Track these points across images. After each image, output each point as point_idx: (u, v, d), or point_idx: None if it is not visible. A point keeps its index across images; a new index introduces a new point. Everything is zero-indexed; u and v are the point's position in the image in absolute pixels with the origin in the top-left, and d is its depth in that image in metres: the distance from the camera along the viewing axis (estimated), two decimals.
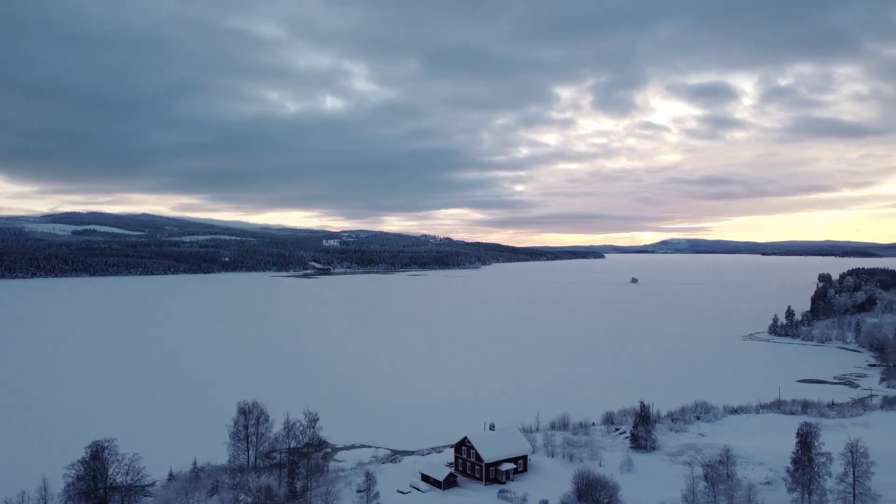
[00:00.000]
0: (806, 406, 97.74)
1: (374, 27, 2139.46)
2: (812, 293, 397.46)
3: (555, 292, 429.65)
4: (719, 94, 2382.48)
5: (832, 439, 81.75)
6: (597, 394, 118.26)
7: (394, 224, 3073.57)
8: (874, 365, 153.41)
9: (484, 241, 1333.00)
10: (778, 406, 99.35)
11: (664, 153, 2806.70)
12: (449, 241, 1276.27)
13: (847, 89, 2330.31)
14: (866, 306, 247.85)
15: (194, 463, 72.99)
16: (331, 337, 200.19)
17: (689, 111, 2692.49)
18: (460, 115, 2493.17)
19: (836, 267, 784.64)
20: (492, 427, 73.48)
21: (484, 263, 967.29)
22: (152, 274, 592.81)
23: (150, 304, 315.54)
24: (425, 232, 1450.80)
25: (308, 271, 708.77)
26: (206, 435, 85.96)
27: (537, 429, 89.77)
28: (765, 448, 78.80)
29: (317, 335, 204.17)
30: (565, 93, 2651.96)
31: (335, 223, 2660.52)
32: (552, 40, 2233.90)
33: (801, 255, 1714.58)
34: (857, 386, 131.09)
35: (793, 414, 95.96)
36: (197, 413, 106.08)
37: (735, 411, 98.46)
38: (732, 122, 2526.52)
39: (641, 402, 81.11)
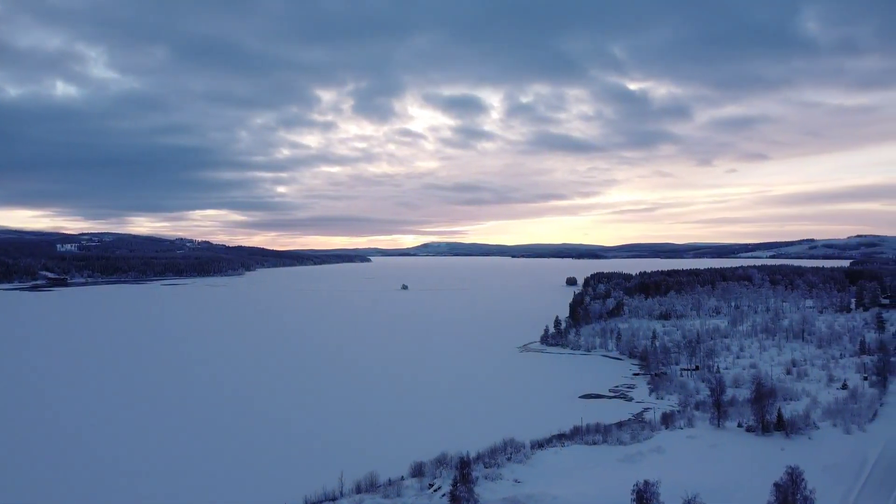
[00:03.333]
0: (606, 434, 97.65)
1: (114, 9, 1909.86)
2: (563, 294, 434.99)
3: (327, 304, 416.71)
4: (470, 106, 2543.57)
5: (641, 474, 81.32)
6: (397, 436, 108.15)
7: (143, 225, 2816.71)
8: (638, 374, 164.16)
9: (246, 245, 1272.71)
10: (580, 436, 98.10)
11: (422, 160, 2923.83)
12: (208, 245, 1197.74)
13: (576, 110, 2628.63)
14: (616, 311, 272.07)
15: None
16: (54, 380, 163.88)
17: (444, 121, 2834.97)
18: (215, 111, 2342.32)
19: (575, 268, 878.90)
20: None
21: (248, 269, 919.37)
22: None
23: None
24: (180, 234, 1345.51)
25: (38, 282, 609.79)
26: None
27: (341, 493, 77.60)
28: (586, 493, 75.10)
29: (42, 377, 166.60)
30: (326, 95, 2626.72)
31: (72, 224, 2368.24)
32: (312, 41, 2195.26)
33: (544, 256, 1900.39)
34: (631, 399, 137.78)
35: (595, 444, 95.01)
36: None
37: (541, 446, 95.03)
38: (482, 134, 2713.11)
39: (462, 459, 72.88)
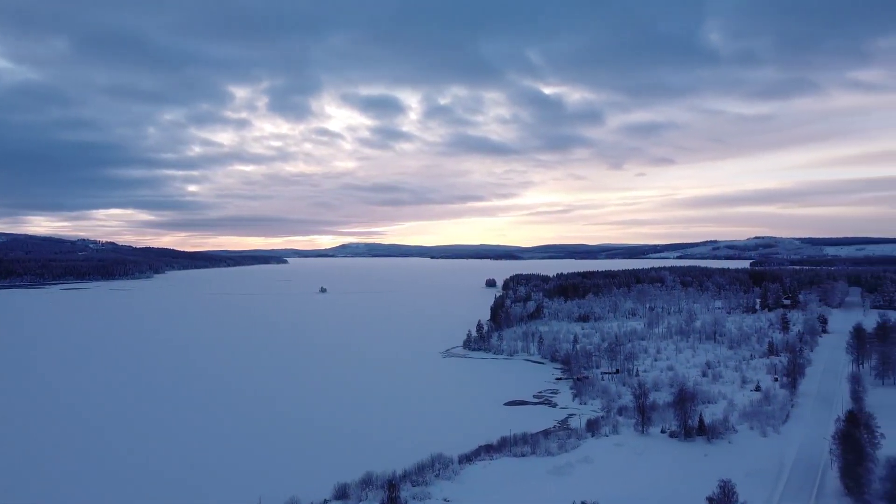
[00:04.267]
0: (534, 444, 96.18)
1: None
2: (483, 295, 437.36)
3: (241, 309, 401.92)
4: (388, 107, 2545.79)
5: (571, 487, 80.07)
6: (319, 455, 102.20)
7: (41, 225, 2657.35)
8: (560, 378, 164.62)
9: (155, 246, 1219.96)
10: (508, 448, 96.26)
11: (340, 160, 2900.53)
12: (113, 247, 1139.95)
13: (493, 112, 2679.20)
14: (536, 314, 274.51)
15: None
16: None
17: (362, 121, 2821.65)
18: (121, 106, 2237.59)
19: (494, 269, 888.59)
20: None
21: (157, 272, 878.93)
22: None
23: None
24: (83, 235, 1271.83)
25: None
26: None
27: None
28: None
29: None
30: (240, 92, 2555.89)
31: None
32: (224, 36, 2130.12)
33: (462, 257, 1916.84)
34: (555, 405, 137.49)
35: (523, 456, 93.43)
36: None
37: (469, 459, 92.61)
38: (400, 135, 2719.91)
39: (390, 480, 69.40)
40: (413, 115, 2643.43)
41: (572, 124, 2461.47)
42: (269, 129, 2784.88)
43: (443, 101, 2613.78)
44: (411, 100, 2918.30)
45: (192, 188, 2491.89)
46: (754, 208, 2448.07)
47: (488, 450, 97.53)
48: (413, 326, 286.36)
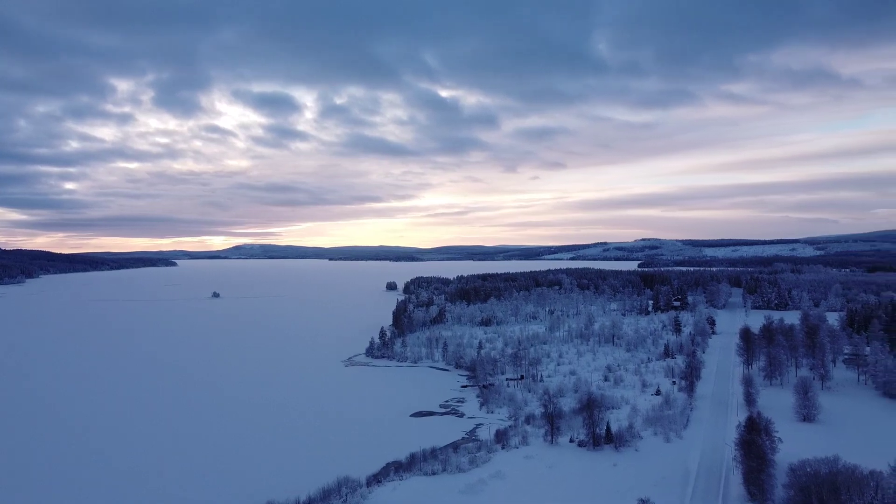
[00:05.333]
0: (444, 461, 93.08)
1: None
2: (384, 299, 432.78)
3: (123, 317, 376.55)
4: (283, 105, 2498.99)
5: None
6: (210, 484, 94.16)
7: None
8: (466, 386, 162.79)
9: (27, 248, 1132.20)
10: (418, 465, 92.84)
11: (232, 158, 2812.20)
12: None
13: (391, 114, 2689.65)
14: (439, 318, 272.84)
15: None
16: None
17: (255, 118, 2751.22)
18: None
19: (393, 271, 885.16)
20: None
21: (30, 276, 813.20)
22: None
23: None
24: None
25: None
26: None
27: None
28: None
29: None
30: (122, 85, 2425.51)
31: None
32: (105, 25, 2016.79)
33: (361, 259, 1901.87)
34: (462, 414, 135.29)
35: (434, 474, 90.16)
36: None
37: (378, 481, 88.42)
38: (296, 134, 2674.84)
39: None
40: (309, 114, 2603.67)
41: (468, 127, 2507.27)
42: (155, 124, 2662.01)
43: (339, 101, 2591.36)
44: (306, 98, 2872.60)
45: (69, 185, 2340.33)
46: (640, 211, 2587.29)
47: (397, 468, 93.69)
48: (313, 333, 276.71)
